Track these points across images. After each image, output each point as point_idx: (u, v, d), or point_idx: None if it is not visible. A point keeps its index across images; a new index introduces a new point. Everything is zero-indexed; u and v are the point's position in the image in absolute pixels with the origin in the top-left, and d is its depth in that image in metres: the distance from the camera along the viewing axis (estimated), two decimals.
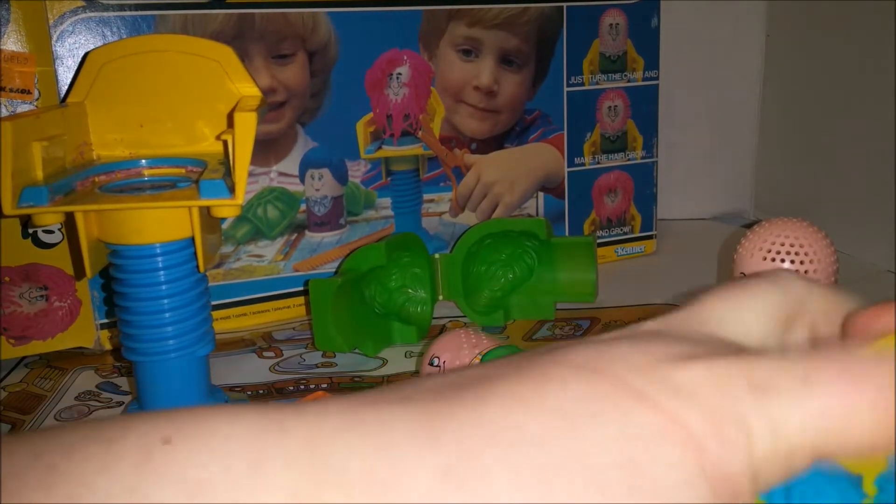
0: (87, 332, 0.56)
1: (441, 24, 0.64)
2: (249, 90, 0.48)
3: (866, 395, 0.15)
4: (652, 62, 0.73)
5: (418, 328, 0.58)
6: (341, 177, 0.63)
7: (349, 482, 0.14)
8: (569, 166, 0.71)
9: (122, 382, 0.53)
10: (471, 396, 0.16)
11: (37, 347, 0.55)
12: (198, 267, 0.44)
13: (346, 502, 0.14)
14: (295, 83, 0.60)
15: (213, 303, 0.54)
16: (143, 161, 0.48)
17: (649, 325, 0.19)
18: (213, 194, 0.41)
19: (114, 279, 0.44)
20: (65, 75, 0.52)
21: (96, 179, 0.46)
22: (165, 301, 0.44)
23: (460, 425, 0.15)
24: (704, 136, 0.88)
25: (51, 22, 0.52)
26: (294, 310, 0.63)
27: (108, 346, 0.57)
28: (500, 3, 0.65)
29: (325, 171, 0.62)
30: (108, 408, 0.50)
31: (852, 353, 0.16)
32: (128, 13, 0.54)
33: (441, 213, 0.68)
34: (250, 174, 0.57)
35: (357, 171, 0.63)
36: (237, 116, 0.41)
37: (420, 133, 0.65)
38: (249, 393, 0.51)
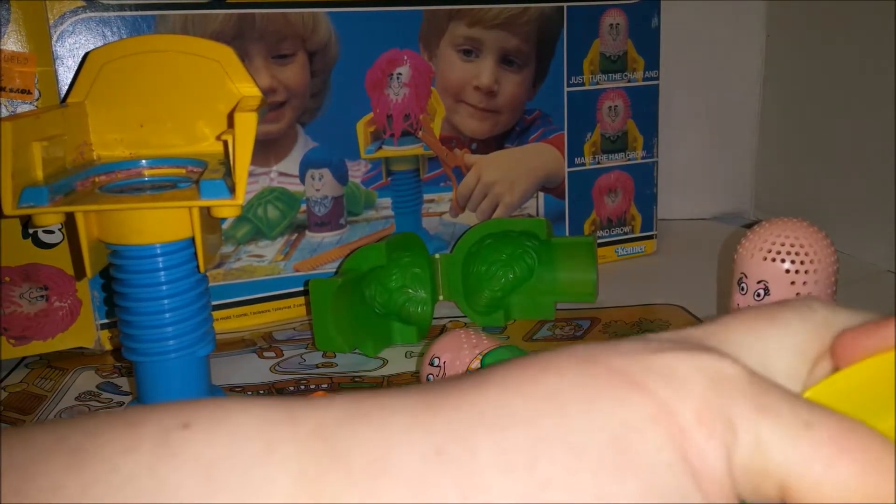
0: (88, 332, 0.56)
1: (441, 24, 0.64)
2: (249, 90, 0.48)
3: (851, 469, 0.15)
4: (652, 62, 0.73)
5: (418, 328, 0.58)
6: (341, 177, 0.63)
7: (350, 464, 0.15)
8: (569, 166, 0.71)
9: (123, 382, 0.53)
10: (469, 386, 0.17)
11: (37, 347, 0.55)
12: (198, 267, 0.44)
13: (346, 480, 0.15)
14: (295, 83, 0.60)
15: (214, 303, 0.54)
16: (144, 161, 0.48)
17: (664, 336, 0.19)
18: (213, 194, 0.41)
19: (114, 279, 0.44)
20: (65, 75, 0.52)
21: (96, 179, 0.46)
22: (166, 301, 0.44)
23: (455, 410, 0.16)
24: (704, 136, 0.88)
25: (51, 22, 0.52)
26: (294, 310, 0.63)
27: (108, 347, 0.57)
28: (500, 3, 0.65)
29: (326, 171, 0.62)
30: (109, 408, 0.50)
31: (858, 424, 0.16)
32: (128, 13, 0.54)
33: (441, 213, 0.68)
34: (250, 174, 0.57)
35: (357, 171, 0.63)
36: (237, 116, 0.41)
37: (420, 133, 0.65)
38: (250, 393, 0.51)
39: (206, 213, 0.43)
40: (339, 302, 0.54)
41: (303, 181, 0.62)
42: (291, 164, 0.61)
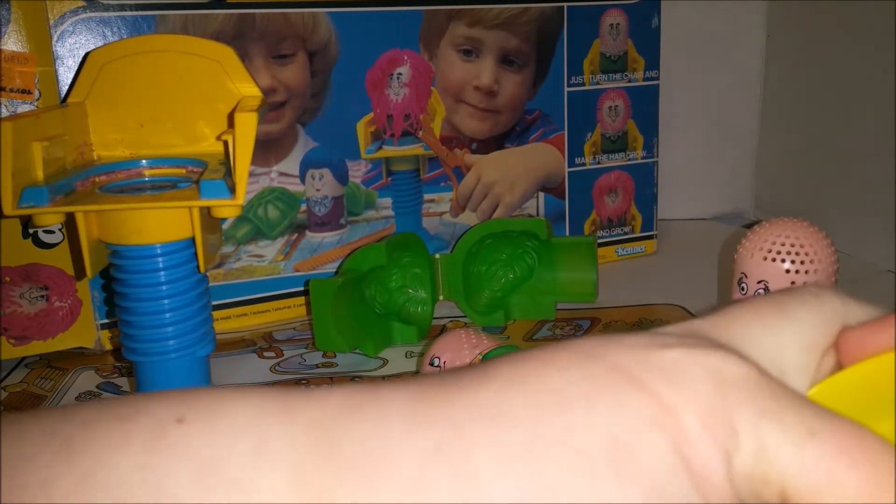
0: (88, 332, 0.56)
1: (441, 24, 0.64)
2: (250, 90, 0.48)
3: (865, 480, 0.15)
4: (652, 62, 0.73)
5: (419, 328, 0.58)
6: (342, 177, 0.63)
7: (344, 462, 0.15)
8: (569, 166, 0.71)
9: (123, 383, 0.53)
10: (469, 380, 0.16)
11: (37, 347, 0.55)
12: (198, 267, 0.44)
13: (341, 478, 0.15)
14: (295, 83, 0.60)
15: (214, 303, 0.54)
16: (144, 161, 0.48)
17: (671, 329, 0.18)
18: (213, 194, 0.41)
19: (114, 279, 0.44)
20: (65, 75, 0.52)
21: (97, 180, 0.46)
22: (166, 301, 0.44)
23: (453, 406, 0.15)
24: (704, 136, 0.88)
25: (51, 22, 0.52)
26: (294, 310, 0.63)
27: (108, 347, 0.57)
28: (500, 3, 0.65)
29: (326, 171, 0.62)
30: None
31: (866, 433, 0.15)
32: (128, 13, 0.54)
33: (441, 213, 0.68)
34: (251, 174, 0.57)
35: (357, 171, 0.63)
36: (237, 116, 0.41)
37: (420, 133, 0.65)
38: None
39: (206, 213, 0.43)
40: (339, 302, 0.54)
41: (303, 181, 0.62)
42: (292, 164, 0.61)
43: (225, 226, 0.59)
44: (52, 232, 0.53)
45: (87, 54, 0.48)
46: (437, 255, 0.60)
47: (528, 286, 0.62)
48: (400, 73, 0.63)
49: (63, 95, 0.52)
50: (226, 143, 0.42)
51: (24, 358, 0.56)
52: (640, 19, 0.71)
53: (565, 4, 0.68)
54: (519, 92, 0.68)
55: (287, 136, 0.60)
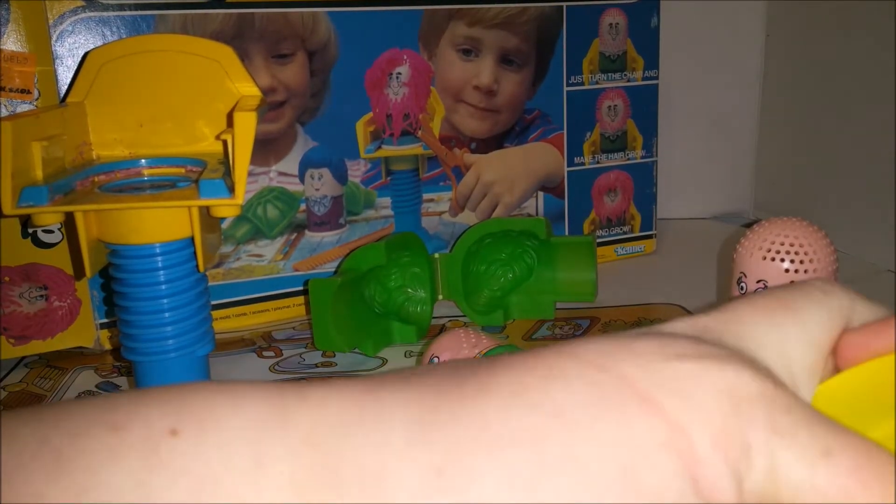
0: (87, 331, 0.56)
1: (441, 23, 0.64)
2: (249, 90, 0.48)
3: (870, 499, 0.15)
4: (652, 62, 0.73)
5: (418, 328, 0.58)
6: (341, 176, 0.63)
7: (344, 480, 0.14)
8: (568, 166, 0.71)
9: (122, 382, 0.53)
10: (472, 389, 0.15)
11: (37, 347, 0.55)
12: (197, 267, 0.44)
13: (339, 500, 0.14)
14: (295, 83, 0.60)
15: (213, 302, 0.54)
16: (143, 161, 0.48)
17: (679, 326, 0.18)
18: (212, 194, 0.41)
19: (113, 279, 0.44)
20: (64, 75, 0.52)
21: (96, 179, 0.46)
22: (165, 301, 0.44)
23: (457, 422, 0.15)
24: (704, 135, 0.88)
25: (51, 22, 0.52)
26: (294, 309, 0.63)
27: (107, 346, 0.57)
28: (500, 2, 0.65)
29: (325, 171, 0.62)
30: None
31: (875, 449, 0.15)
32: (127, 13, 0.53)
33: (441, 213, 0.68)
34: (250, 174, 0.57)
35: (357, 171, 0.63)
36: (237, 116, 0.41)
37: (420, 132, 0.65)
38: None
39: (205, 212, 0.43)
40: (339, 301, 0.54)
41: (302, 181, 0.62)
42: (291, 163, 0.61)
43: (224, 225, 0.59)
44: (51, 231, 0.53)
45: (86, 54, 0.48)
46: (437, 255, 0.60)
47: (528, 286, 0.62)
48: (399, 73, 0.63)
49: (62, 95, 0.52)
50: (225, 143, 0.42)
51: (23, 357, 0.56)
52: (640, 19, 0.71)
53: (564, 4, 0.68)
54: (518, 91, 0.68)
55: (286, 135, 0.60)
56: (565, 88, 0.70)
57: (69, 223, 0.43)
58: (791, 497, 0.15)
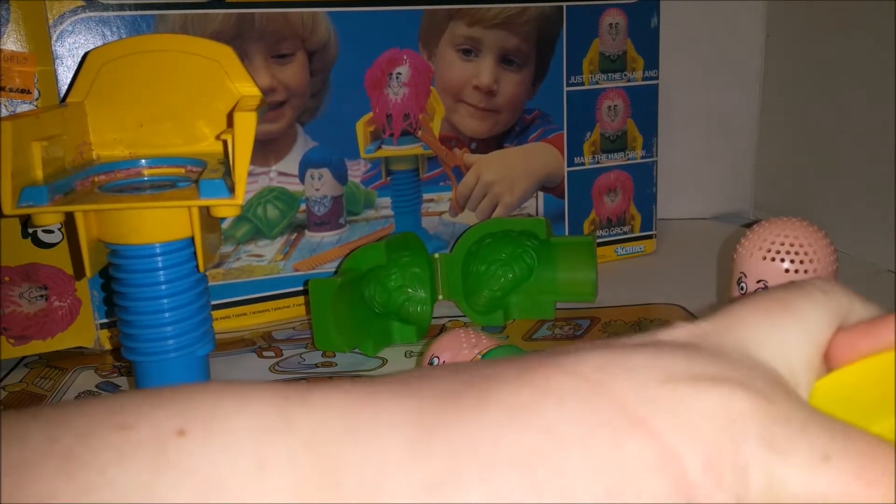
0: (87, 331, 0.56)
1: (441, 23, 0.64)
2: (249, 90, 0.48)
3: (875, 499, 0.15)
4: (652, 62, 0.73)
5: (418, 328, 0.58)
6: (341, 176, 0.63)
7: (342, 488, 0.15)
8: (568, 166, 0.71)
9: (122, 382, 0.53)
10: (469, 402, 0.16)
11: (37, 347, 0.55)
12: (197, 267, 0.44)
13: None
14: (295, 83, 0.60)
15: (213, 302, 0.54)
16: (143, 161, 0.48)
17: (679, 333, 0.18)
18: (212, 194, 0.41)
19: (113, 279, 0.44)
20: (65, 75, 0.52)
21: (96, 179, 0.46)
22: (165, 301, 0.44)
23: (452, 438, 0.15)
24: (704, 136, 0.88)
25: (50, 21, 0.52)
26: (294, 309, 0.63)
27: (107, 346, 0.57)
28: (500, 2, 0.65)
29: (325, 171, 0.62)
30: None
31: (878, 449, 0.15)
32: (127, 13, 0.53)
33: (441, 213, 0.68)
34: (250, 174, 0.57)
35: (357, 171, 0.63)
36: (237, 116, 0.41)
37: (420, 133, 0.65)
38: None
39: (205, 212, 0.43)
40: (339, 302, 0.54)
41: (302, 181, 0.62)
42: (291, 163, 0.61)
43: (224, 225, 0.59)
44: (51, 231, 0.53)
45: (86, 54, 0.48)
46: (437, 255, 0.60)
47: (528, 286, 0.62)
48: (399, 73, 0.63)
49: (62, 95, 0.52)
50: (225, 143, 0.42)
51: (23, 357, 0.56)
52: (640, 19, 0.71)
53: (564, 4, 0.68)
54: (518, 91, 0.68)
55: (286, 135, 0.60)
56: (565, 88, 0.70)
57: (69, 223, 0.43)
58: (797, 499, 0.15)
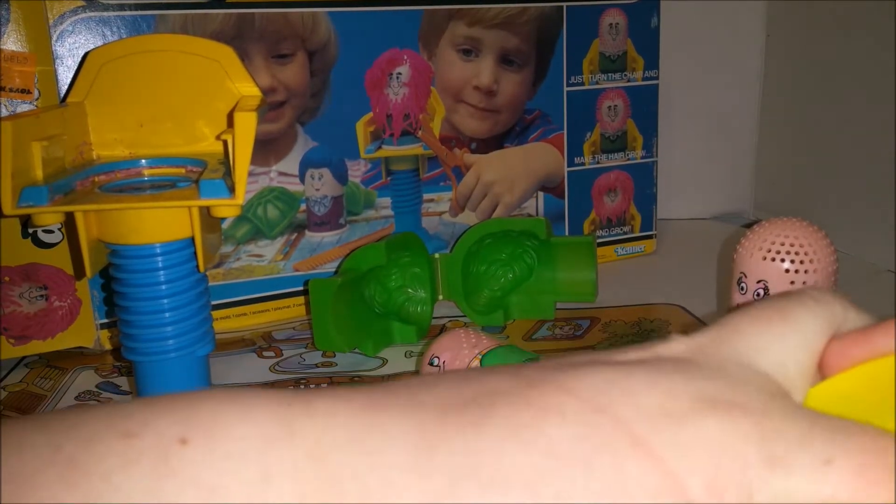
0: (87, 331, 0.56)
1: (441, 23, 0.64)
2: (249, 90, 0.48)
3: (881, 497, 0.15)
4: (652, 62, 0.73)
5: (418, 328, 0.58)
6: (341, 176, 0.63)
7: (345, 497, 0.15)
8: (569, 166, 0.71)
9: (122, 382, 0.53)
10: (471, 419, 0.16)
11: (37, 347, 0.55)
12: (198, 267, 0.44)
13: None
14: (295, 83, 0.60)
15: (213, 302, 0.54)
16: (143, 161, 0.48)
17: (676, 348, 0.18)
18: (212, 194, 0.41)
19: (114, 279, 0.44)
20: (65, 75, 0.52)
21: (96, 179, 0.46)
22: (165, 301, 0.44)
23: (453, 454, 0.15)
24: (704, 136, 0.88)
25: (51, 21, 0.52)
26: (294, 309, 0.63)
27: (108, 346, 0.57)
28: (500, 2, 0.65)
29: (325, 171, 0.62)
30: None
31: (878, 446, 0.15)
32: (128, 13, 0.53)
33: (441, 213, 0.68)
34: (250, 174, 0.57)
35: (357, 171, 0.63)
36: (237, 116, 0.41)
37: (420, 133, 0.65)
38: None
39: (205, 212, 0.43)
40: (339, 302, 0.54)
41: (302, 181, 0.62)
42: (291, 163, 0.61)
43: (224, 225, 0.59)
44: (51, 231, 0.53)
45: (86, 54, 0.48)
46: (437, 255, 0.60)
47: (528, 286, 0.62)
48: (399, 73, 0.63)
49: (62, 95, 0.52)
50: (225, 143, 0.42)
51: (23, 357, 0.56)
52: (640, 19, 0.71)
53: (565, 4, 0.68)
54: (518, 91, 0.68)
55: (286, 135, 0.60)
56: (565, 88, 0.70)
57: (69, 223, 0.43)
58: None
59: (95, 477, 0.15)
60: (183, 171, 0.48)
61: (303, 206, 0.62)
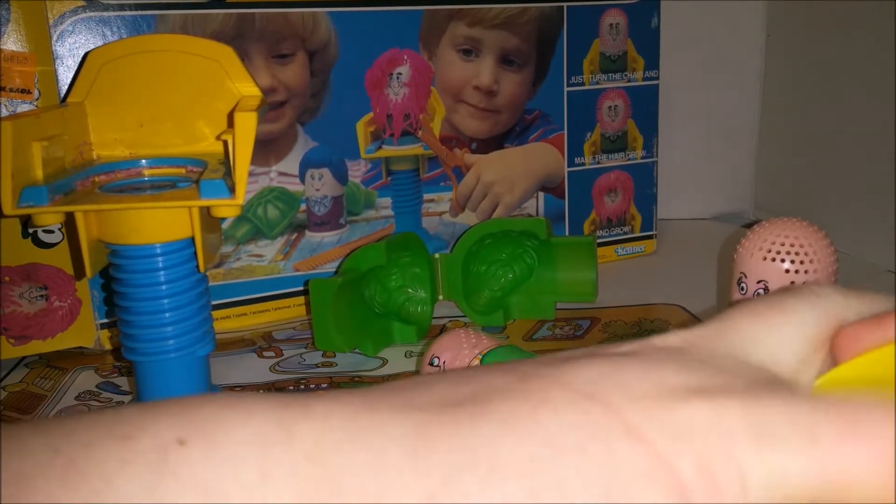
0: (87, 331, 0.56)
1: (441, 23, 0.64)
2: (249, 90, 0.48)
3: (871, 454, 0.15)
4: (652, 62, 0.73)
5: (418, 328, 0.58)
6: (341, 176, 0.63)
7: (344, 497, 0.15)
8: (569, 166, 0.71)
9: (122, 382, 0.53)
10: (467, 414, 0.16)
11: (37, 347, 0.55)
12: (198, 267, 0.44)
13: None
14: (295, 83, 0.60)
15: (213, 303, 0.54)
16: (143, 161, 0.48)
17: (672, 339, 0.19)
18: (213, 194, 0.41)
19: (114, 279, 0.44)
20: (65, 75, 0.52)
21: (96, 179, 0.46)
22: (165, 301, 0.44)
23: (450, 449, 0.15)
24: (704, 136, 0.88)
25: (51, 21, 0.52)
26: (294, 309, 0.63)
27: (108, 346, 0.57)
28: (500, 2, 0.65)
29: (325, 171, 0.62)
30: (106, 408, 0.50)
31: (859, 407, 0.16)
32: (128, 13, 0.53)
33: (441, 213, 0.68)
34: (250, 174, 0.57)
35: (357, 171, 0.63)
36: (237, 116, 0.41)
37: (420, 133, 0.65)
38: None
39: (205, 212, 0.43)
40: (339, 302, 0.54)
41: (302, 181, 0.62)
42: (291, 163, 0.61)
43: (224, 225, 0.59)
44: (51, 231, 0.53)
45: (86, 54, 0.48)
46: (437, 255, 0.60)
47: (528, 286, 0.62)
48: (399, 73, 0.63)
49: (62, 95, 0.52)
50: (225, 143, 0.42)
51: (23, 357, 0.56)
52: (640, 19, 0.71)
53: (565, 4, 0.68)
54: (519, 92, 0.68)
55: (287, 135, 0.60)
56: (566, 88, 0.70)
57: (69, 223, 0.43)
58: (800, 489, 0.15)
59: (94, 478, 0.15)
60: (183, 171, 0.48)
61: (303, 206, 0.62)
